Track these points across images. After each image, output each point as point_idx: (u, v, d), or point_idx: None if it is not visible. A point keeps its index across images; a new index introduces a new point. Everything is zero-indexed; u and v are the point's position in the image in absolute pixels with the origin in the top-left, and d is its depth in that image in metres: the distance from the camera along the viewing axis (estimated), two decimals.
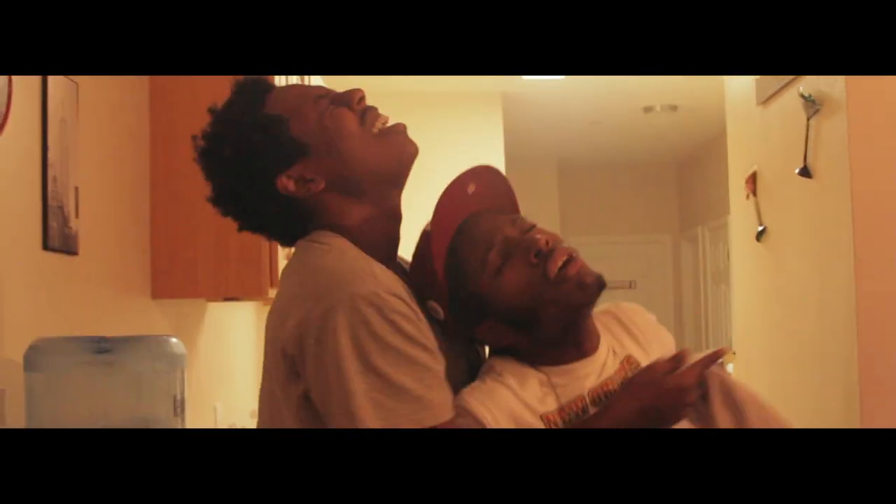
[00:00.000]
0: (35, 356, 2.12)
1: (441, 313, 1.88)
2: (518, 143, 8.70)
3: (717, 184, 8.45)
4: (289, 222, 1.84)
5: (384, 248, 1.88)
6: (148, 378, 2.16)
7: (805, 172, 3.77)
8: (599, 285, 1.88)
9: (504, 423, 1.83)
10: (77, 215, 2.64)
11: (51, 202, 2.49)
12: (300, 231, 1.82)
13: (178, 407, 2.20)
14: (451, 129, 7.63)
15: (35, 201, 2.45)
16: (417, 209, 6.89)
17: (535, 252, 1.85)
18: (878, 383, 3.24)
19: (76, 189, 2.64)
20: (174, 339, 2.26)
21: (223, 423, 3.91)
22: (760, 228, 4.44)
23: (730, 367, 6.70)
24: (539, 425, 1.86)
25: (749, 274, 4.83)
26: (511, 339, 1.93)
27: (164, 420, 2.16)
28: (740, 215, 4.86)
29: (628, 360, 1.98)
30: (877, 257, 3.30)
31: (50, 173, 2.49)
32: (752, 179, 4.55)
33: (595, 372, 1.94)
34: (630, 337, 2.06)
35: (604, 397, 1.91)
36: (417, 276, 1.92)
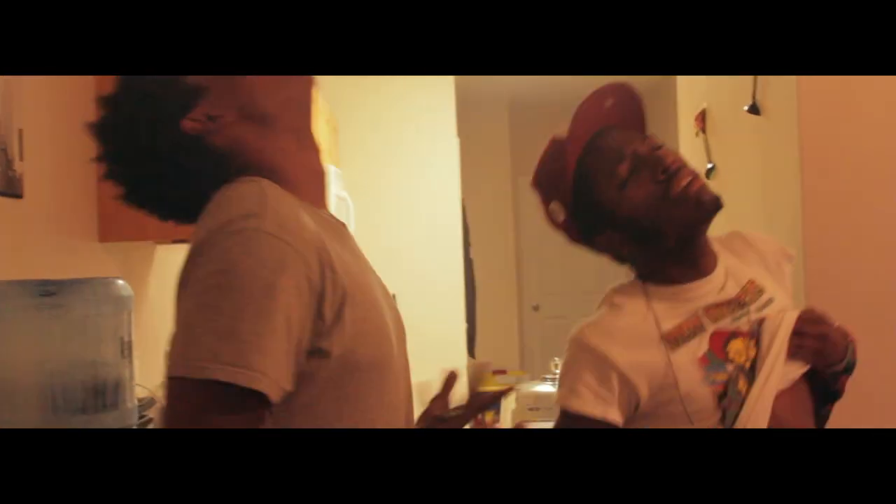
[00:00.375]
0: None
1: (561, 216, 2.09)
2: (469, 84, 8.67)
3: (666, 122, 8.48)
4: (205, 172, 1.68)
5: (313, 184, 1.78)
6: (94, 321, 2.14)
7: (754, 110, 3.78)
8: (716, 205, 1.98)
9: (624, 357, 1.99)
10: (21, 158, 2.61)
11: None
12: (219, 184, 1.63)
13: (126, 349, 2.19)
14: None
15: None
16: (369, 141, 6.79)
17: (662, 169, 1.97)
18: None
19: (20, 131, 2.61)
20: (120, 282, 2.24)
21: None
22: (709, 166, 4.46)
23: None
24: (659, 349, 2.00)
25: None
26: (627, 250, 2.07)
27: (111, 363, 2.15)
28: (689, 153, 4.88)
29: (751, 283, 2.10)
30: (824, 193, 3.32)
31: None
32: (702, 117, 4.57)
33: (712, 292, 2.06)
34: (755, 260, 2.19)
35: (722, 314, 2.04)
36: (545, 179, 2.10)
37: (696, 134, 4.60)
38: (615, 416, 2.01)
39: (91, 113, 3.14)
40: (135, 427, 2.26)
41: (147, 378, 3.37)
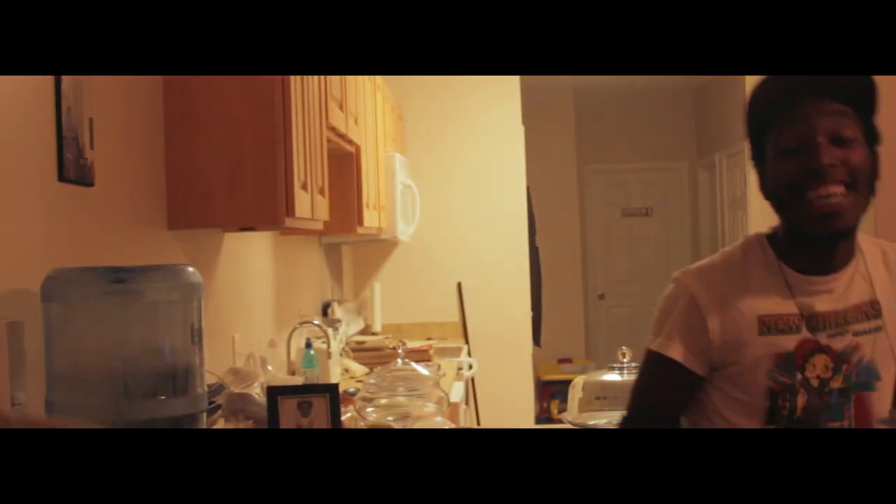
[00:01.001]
0: (52, 286, 2.13)
1: None
2: None
3: (734, 110, 8.40)
4: None
5: None
6: (164, 308, 2.17)
7: None
8: (837, 227, 2.03)
9: (710, 300, 2.11)
10: (92, 146, 2.64)
11: (66, 133, 2.49)
12: None
13: (196, 336, 2.21)
14: None
15: (49, 133, 2.44)
16: (434, 129, 6.78)
17: (808, 167, 2.02)
18: None
19: (91, 120, 2.64)
20: (190, 269, 2.26)
21: (241, 353, 3.93)
22: None
23: None
24: (750, 321, 2.08)
25: (765, 201, 4.80)
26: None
27: (181, 349, 2.18)
28: None
29: (871, 304, 2.12)
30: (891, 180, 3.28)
31: (64, 104, 2.48)
32: None
33: (826, 292, 2.10)
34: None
35: (822, 324, 2.08)
36: None
37: None
38: (699, 368, 2.13)
39: (158, 102, 3.17)
40: (204, 412, 2.28)
41: (216, 364, 3.40)
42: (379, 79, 6.06)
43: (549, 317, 8.89)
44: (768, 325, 2.07)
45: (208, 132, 3.17)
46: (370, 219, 5.43)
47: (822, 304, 2.09)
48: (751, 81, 4.79)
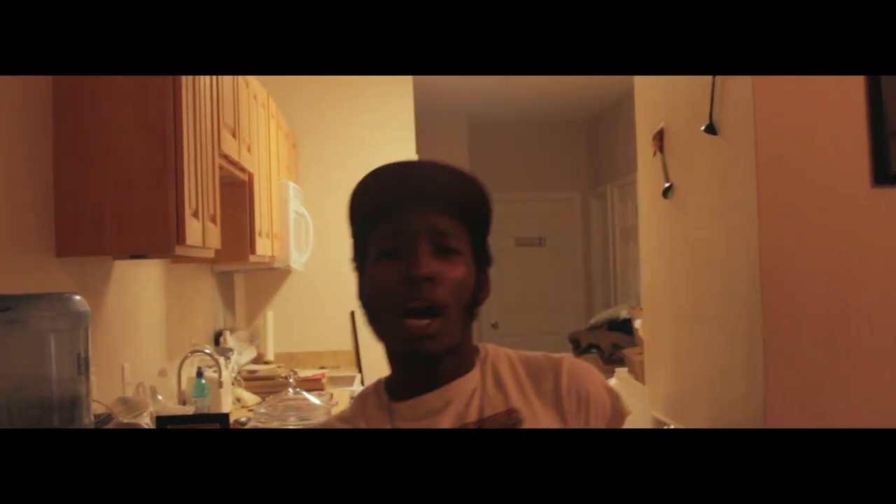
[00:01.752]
0: None
1: None
2: (428, 99, 8.69)
3: (625, 141, 8.52)
4: None
5: None
6: (50, 337, 2.13)
7: (711, 129, 3.81)
8: (420, 352, 1.83)
9: None
10: None
11: None
12: None
13: (83, 366, 2.17)
14: (360, 83, 7.59)
15: None
16: (334, 163, 6.76)
17: (407, 276, 1.79)
18: (781, 336, 3.31)
19: None
20: (77, 297, 2.23)
21: (131, 382, 3.88)
22: (667, 185, 4.48)
23: (637, 323, 6.78)
24: None
25: (656, 230, 4.87)
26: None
27: (68, 379, 2.14)
28: (647, 172, 4.90)
29: (510, 412, 1.87)
30: (779, 214, 3.35)
31: None
32: (659, 136, 4.59)
33: (450, 404, 1.88)
34: (549, 390, 1.92)
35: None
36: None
37: (654, 153, 4.62)
38: None
39: (47, 125, 3.12)
40: None
41: (104, 394, 3.35)
42: (273, 106, 6.04)
43: None
44: None
45: (99, 159, 3.13)
46: (263, 247, 5.40)
47: (446, 422, 1.85)
48: (641, 112, 4.86)
